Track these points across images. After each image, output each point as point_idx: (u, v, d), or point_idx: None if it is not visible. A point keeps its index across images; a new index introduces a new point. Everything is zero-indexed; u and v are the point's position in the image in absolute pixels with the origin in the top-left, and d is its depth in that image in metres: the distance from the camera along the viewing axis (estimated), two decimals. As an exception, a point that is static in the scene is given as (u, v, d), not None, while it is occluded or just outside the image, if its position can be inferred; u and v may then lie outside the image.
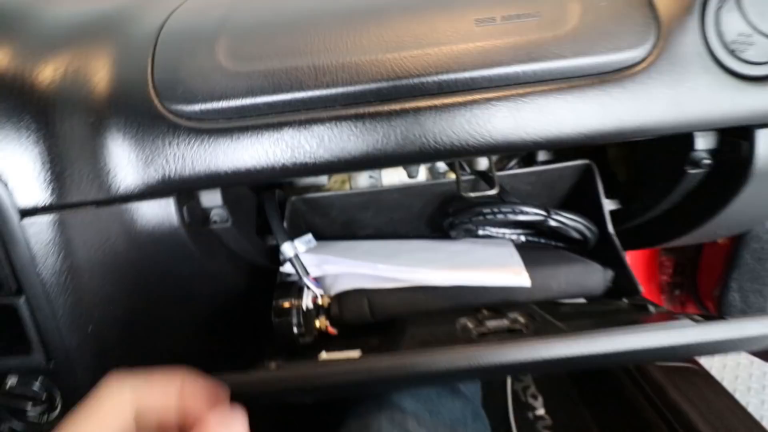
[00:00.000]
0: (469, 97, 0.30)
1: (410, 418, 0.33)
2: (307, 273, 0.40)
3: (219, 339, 0.45)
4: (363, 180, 0.65)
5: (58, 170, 0.30)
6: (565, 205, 0.50)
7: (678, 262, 0.74)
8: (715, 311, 0.71)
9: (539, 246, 0.51)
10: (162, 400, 0.22)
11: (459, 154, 0.31)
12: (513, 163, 0.59)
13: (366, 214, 0.53)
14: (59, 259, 0.31)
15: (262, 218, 0.45)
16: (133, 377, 0.22)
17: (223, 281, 0.42)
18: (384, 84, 0.30)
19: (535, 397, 0.75)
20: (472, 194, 0.40)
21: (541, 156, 0.60)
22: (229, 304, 0.44)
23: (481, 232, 0.56)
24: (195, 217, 0.36)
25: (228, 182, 0.33)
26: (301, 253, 0.41)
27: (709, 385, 0.61)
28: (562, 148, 0.51)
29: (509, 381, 0.78)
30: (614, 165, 0.56)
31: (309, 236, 0.42)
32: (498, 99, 0.30)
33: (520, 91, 0.30)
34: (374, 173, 0.65)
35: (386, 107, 0.31)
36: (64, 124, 0.31)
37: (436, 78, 0.30)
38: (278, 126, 0.31)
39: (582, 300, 0.47)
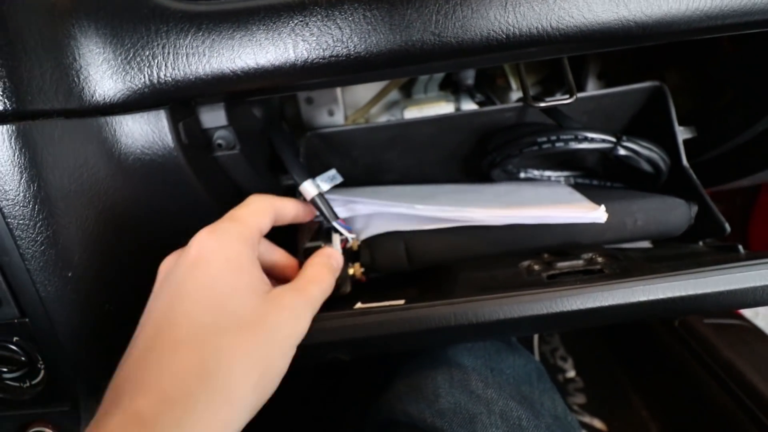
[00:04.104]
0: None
1: (472, 375, 0.27)
2: (336, 216, 0.33)
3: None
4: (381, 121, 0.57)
5: (11, 66, 0.23)
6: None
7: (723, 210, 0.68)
8: None
9: (595, 187, 0.45)
10: (293, 210, 0.30)
11: (536, 44, 0.24)
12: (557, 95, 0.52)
13: (391, 155, 0.46)
14: (23, 184, 0.24)
15: (273, 155, 0.38)
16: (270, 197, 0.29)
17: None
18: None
19: (564, 359, 0.71)
20: (542, 104, 0.33)
21: (590, 88, 0.53)
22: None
23: (522, 175, 0.49)
24: (194, 139, 0.29)
25: (234, 88, 0.25)
26: (325, 192, 0.34)
27: (762, 341, 0.57)
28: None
29: (536, 342, 0.74)
30: (676, 95, 0.49)
31: (333, 171, 0.35)
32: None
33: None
34: (395, 114, 0.58)
35: (444, -23, 0.23)
36: (15, 6, 0.23)
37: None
38: (300, 6, 0.24)
39: (647, 244, 0.40)
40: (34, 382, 0.30)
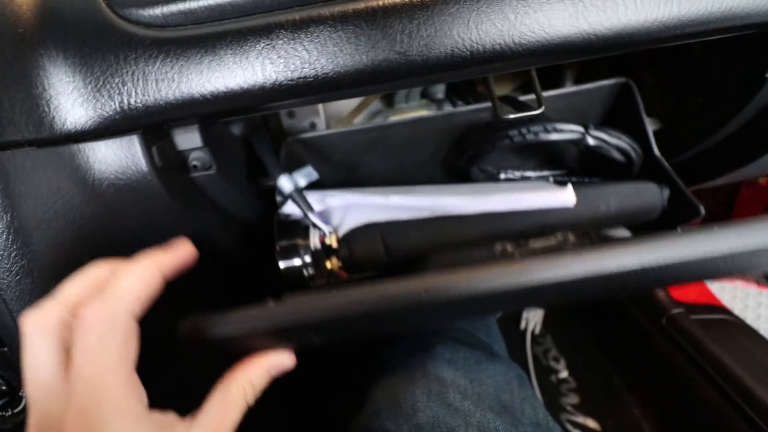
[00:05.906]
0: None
1: (450, 388, 0.27)
2: (312, 208, 0.33)
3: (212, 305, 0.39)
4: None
5: (-22, 98, 0.23)
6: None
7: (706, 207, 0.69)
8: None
9: (573, 183, 0.45)
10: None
11: (499, 60, 0.25)
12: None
13: (373, 157, 0.46)
14: (-6, 216, 0.24)
15: (254, 160, 0.38)
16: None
17: (209, 239, 0.35)
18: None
19: (557, 360, 0.71)
20: (512, 116, 0.33)
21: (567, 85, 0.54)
22: (219, 265, 0.37)
23: (503, 176, 0.50)
24: (169, 161, 0.29)
25: (204, 111, 0.26)
26: (302, 187, 0.34)
27: (748, 336, 0.57)
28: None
29: (529, 344, 0.74)
30: (652, 96, 0.49)
31: (309, 168, 0.35)
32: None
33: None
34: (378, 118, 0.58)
35: (406, -3, 0.23)
36: (-18, 39, 0.23)
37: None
38: (266, 29, 0.24)
39: (626, 233, 0.41)
40: (15, 411, 0.30)
